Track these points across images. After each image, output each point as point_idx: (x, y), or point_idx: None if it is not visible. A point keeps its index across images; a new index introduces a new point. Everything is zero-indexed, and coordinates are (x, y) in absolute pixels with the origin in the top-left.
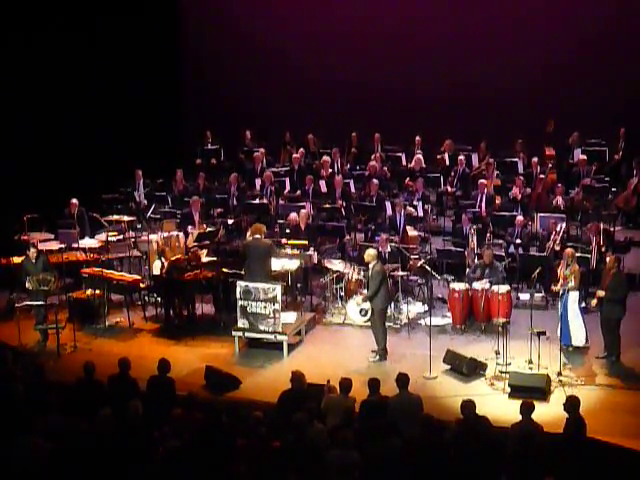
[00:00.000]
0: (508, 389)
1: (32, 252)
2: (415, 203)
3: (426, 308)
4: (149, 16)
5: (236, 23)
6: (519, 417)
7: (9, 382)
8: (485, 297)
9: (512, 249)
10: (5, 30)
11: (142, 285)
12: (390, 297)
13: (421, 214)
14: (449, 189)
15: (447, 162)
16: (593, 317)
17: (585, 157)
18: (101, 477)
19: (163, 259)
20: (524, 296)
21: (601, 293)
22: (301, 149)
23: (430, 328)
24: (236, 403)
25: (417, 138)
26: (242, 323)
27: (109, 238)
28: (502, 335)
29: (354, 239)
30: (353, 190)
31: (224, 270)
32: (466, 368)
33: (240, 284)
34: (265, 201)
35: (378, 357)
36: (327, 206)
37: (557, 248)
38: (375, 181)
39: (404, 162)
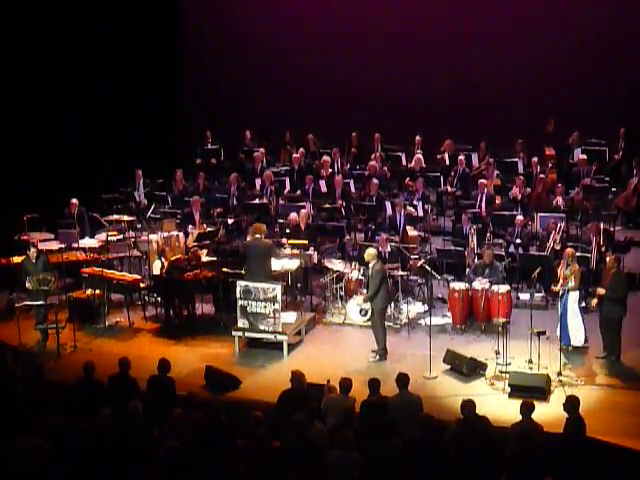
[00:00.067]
0: (508, 389)
1: (32, 252)
2: (415, 203)
3: (426, 308)
4: (149, 16)
5: (236, 23)
6: (519, 417)
7: (9, 382)
8: (485, 297)
9: (512, 249)
10: (5, 30)
11: (142, 285)
12: (390, 297)
13: (421, 214)
14: (449, 189)
15: (447, 162)
16: (593, 317)
17: (585, 157)
18: (101, 477)
19: (163, 259)
20: (524, 296)
21: (601, 291)
22: (301, 149)
23: (430, 328)
24: (236, 403)
25: (417, 138)
26: (242, 323)
27: (109, 238)
28: (502, 335)
29: (354, 239)
30: (353, 190)
31: (224, 270)
32: (466, 368)
33: (240, 284)
34: (265, 201)
35: (378, 357)
36: (327, 206)
37: (557, 247)
38: (375, 181)
39: (404, 162)
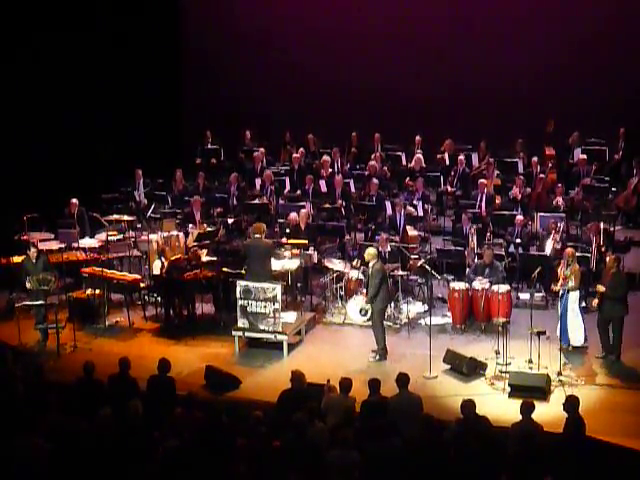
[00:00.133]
0: (508, 389)
1: (32, 252)
2: (415, 203)
3: (426, 308)
4: (149, 16)
5: (236, 23)
6: (519, 417)
7: (9, 382)
8: (485, 297)
9: (512, 249)
10: (5, 30)
11: (142, 285)
12: (390, 297)
13: (421, 214)
14: (449, 189)
15: (447, 162)
16: (593, 317)
17: (585, 157)
18: (101, 477)
19: (163, 259)
20: (524, 296)
21: (601, 288)
22: (301, 149)
23: (430, 328)
24: (236, 403)
25: (417, 138)
26: (242, 323)
27: (109, 238)
28: (502, 335)
29: (354, 239)
30: (353, 190)
31: (224, 270)
32: (466, 368)
33: (240, 283)
34: (265, 201)
35: (378, 357)
36: (327, 206)
37: (557, 247)
38: (375, 181)
39: (404, 162)
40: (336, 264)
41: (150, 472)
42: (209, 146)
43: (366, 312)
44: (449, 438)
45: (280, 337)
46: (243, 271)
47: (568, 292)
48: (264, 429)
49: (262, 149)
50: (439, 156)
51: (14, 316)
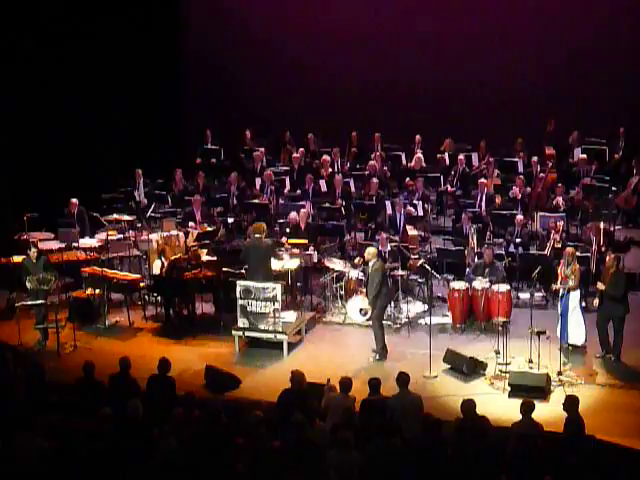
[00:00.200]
0: (508, 388)
1: (33, 252)
2: (415, 202)
3: (426, 307)
4: (150, 16)
5: (236, 23)
6: (519, 416)
7: (9, 382)
8: (485, 296)
9: (512, 248)
10: (5, 30)
11: (142, 284)
12: (389, 296)
13: (421, 213)
14: (449, 188)
15: (447, 161)
16: (593, 317)
17: (585, 156)
18: (101, 477)
19: (163, 258)
20: (524, 295)
21: (601, 286)
22: (301, 148)
23: (430, 327)
24: (236, 402)
25: (417, 137)
26: (242, 322)
27: (109, 237)
28: (502, 334)
29: (354, 238)
30: (353, 189)
31: (224, 269)
32: (466, 367)
33: (240, 283)
34: (265, 200)
35: (378, 356)
36: (327, 205)
37: (558, 246)
38: (375, 180)
39: (404, 161)
40: (336, 264)
41: (150, 472)
42: (209, 146)
43: (366, 312)
44: (449, 438)
45: (280, 337)
46: (243, 271)
47: (568, 292)
48: (264, 429)
49: (262, 149)
50: (439, 156)
51: (14, 316)
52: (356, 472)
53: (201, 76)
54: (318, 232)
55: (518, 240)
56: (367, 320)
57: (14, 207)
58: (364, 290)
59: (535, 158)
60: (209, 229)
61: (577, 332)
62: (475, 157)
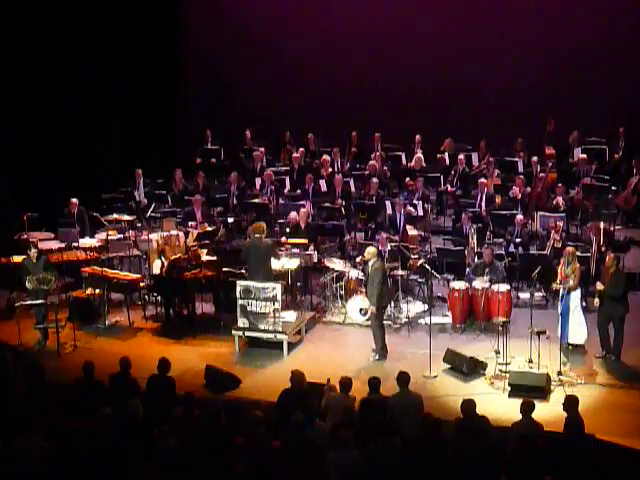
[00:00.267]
0: (508, 388)
1: (33, 252)
2: (415, 202)
3: (426, 307)
4: (150, 16)
5: (236, 23)
6: (519, 416)
7: (9, 382)
8: (485, 296)
9: (512, 248)
10: (6, 29)
11: (142, 284)
12: (389, 296)
13: (421, 213)
14: (449, 188)
15: (447, 161)
16: (593, 317)
17: (585, 156)
18: (101, 477)
19: (163, 258)
20: (524, 295)
21: (599, 286)
22: (301, 148)
23: (430, 327)
24: (236, 402)
25: (417, 137)
26: (242, 322)
27: (109, 237)
28: (502, 334)
29: (354, 238)
30: (353, 189)
31: (224, 269)
32: (466, 367)
33: (240, 283)
34: (265, 200)
35: (378, 356)
36: (327, 205)
37: (558, 245)
38: (375, 180)
39: (404, 161)
40: (336, 263)
41: (150, 472)
42: (209, 146)
43: (366, 312)
44: (449, 437)
45: (280, 337)
46: (243, 271)
47: (569, 292)
48: (264, 429)
49: (262, 148)
50: (439, 156)
51: (14, 316)
52: (356, 472)
53: (201, 76)
54: (318, 232)
55: (518, 240)
56: (367, 320)
57: (14, 207)
58: (364, 290)
59: (535, 158)
60: (209, 229)
61: (578, 331)
62: (475, 157)
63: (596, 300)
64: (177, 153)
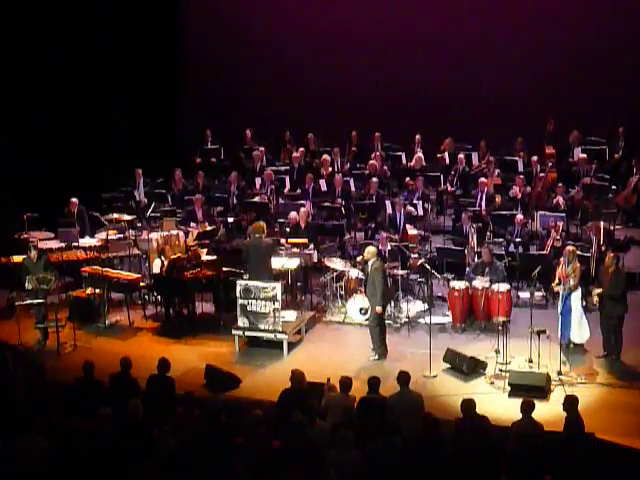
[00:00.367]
0: (508, 388)
1: (33, 254)
2: (415, 202)
3: (426, 307)
4: (149, 16)
5: (236, 23)
6: (519, 416)
7: (9, 382)
8: (485, 296)
9: (512, 248)
10: (6, 30)
11: (142, 284)
12: (389, 296)
13: (421, 213)
14: (449, 188)
15: (447, 161)
16: (593, 316)
17: (585, 156)
18: (101, 477)
19: (163, 258)
20: (524, 295)
21: (598, 290)
22: (301, 148)
23: (430, 327)
24: (236, 402)
25: (417, 137)
26: (242, 322)
27: (109, 237)
28: (502, 334)
29: (354, 238)
30: (353, 189)
31: (224, 269)
32: (466, 367)
33: (240, 283)
34: (265, 200)
35: (378, 356)
36: (327, 205)
37: (558, 245)
38: (375, 180)
39: (404, 161)
40: (336, 263)
41: (150, 472)
42: (209, 145)
43: (366, 311)
44: (449, 437)
45: (280, 336)
46: (243, 270)
47: (570, 290)
48: (264, 428)
49: (262, 148)
50: (439, 155)
51: (14, 316)
52: (356, 472)
53: (201, 76)
54: (318, 231)
55: (518, 240)
56: (367, 319)
57: (14, 207)
58: (363, 290)
59: (535, 157)
60: (209, 228)
61: (580, 331)
62: (475, 156)
63: (595, 298)
64: (177, 153)
